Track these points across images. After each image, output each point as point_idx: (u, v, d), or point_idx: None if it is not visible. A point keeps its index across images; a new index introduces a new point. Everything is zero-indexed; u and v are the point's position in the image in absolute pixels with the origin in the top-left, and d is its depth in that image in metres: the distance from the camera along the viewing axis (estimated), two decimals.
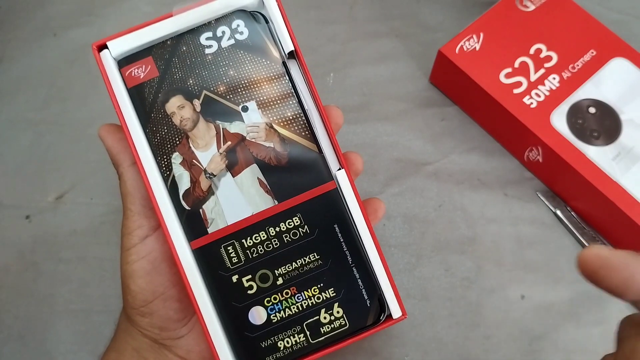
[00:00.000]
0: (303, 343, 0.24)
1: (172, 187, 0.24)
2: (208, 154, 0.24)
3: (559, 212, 0.37)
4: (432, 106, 0.41)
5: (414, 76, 0.42)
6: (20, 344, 0.35)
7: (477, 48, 0.37)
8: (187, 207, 0.24)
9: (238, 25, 0.25)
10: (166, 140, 0.24)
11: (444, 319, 0.35)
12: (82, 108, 0.41)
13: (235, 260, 0.24)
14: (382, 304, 0.25)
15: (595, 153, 0.34)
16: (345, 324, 0.24)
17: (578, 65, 0.36)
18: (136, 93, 0.24)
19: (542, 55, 0.37)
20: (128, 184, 0.25)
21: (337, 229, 0.25)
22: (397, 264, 0.36)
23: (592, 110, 0.35)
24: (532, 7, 0.38)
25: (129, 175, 0.26)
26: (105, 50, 0.24)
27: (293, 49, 0.25)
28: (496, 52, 0.37)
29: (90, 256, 0.37)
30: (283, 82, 0.25)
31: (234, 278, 0.24)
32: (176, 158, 0.24)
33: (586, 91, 0.36)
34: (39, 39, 0.44)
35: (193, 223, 0.24)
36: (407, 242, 0.37)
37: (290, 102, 0.25)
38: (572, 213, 0.37)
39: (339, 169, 0.25)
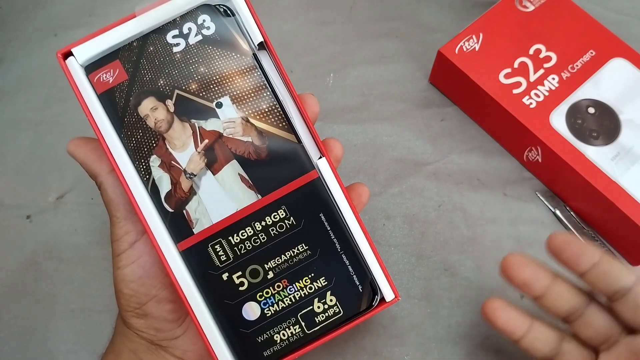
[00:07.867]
0: (299, 334, 0.24)
1: (153, 191, 0.24)
2: (186, 154, 0.24)
3: (558, 212, 0.37)
4: (431, 106, 0.41)
5: (413, 76, 0.42)
6: (20, 343, 0.35)
7: (477, 48, 0.37)
8: (170, 210, 0.24)
9: (204, 21, 0.24)
10: (142, 143, 0.24)
11: (444, 319, 0.35)
12: None
13: (223, 258, 0.24)
14: (374, 288, 0.25)
15: (595, 153, 0.34)
16: (340, 312, 0.24)
17: (577, 65, 0.36)
18: (107, 98, 0.24)
19: (542, 55, 0.37)
20: (110, 192, 0.25)
21: (323, 217, 0.24)
22: (397, 264, 0.36)
23: (591, 110, 0.35)
24: (531, 8, 0.38)
25: (109, 183, 0.25)
26: (71, 58, 0.24)
27: (262, 40, 0.24)
28: (496, 52, 0.37)
29: (91, 256, 0.37)
30: (255, 74, 0.24)
31: (224, 276, 0.24)
32: (154, 161, 0.24)
33: (585, 91, 0.36)
34: (39, 39, 0.44)
35: (178, 225, 0.24)
36: (407, 242, 0.37)
37: (265, 94, 0.24)
38: (572, 213, 0.37)
39: (320, 157, 0.25)
